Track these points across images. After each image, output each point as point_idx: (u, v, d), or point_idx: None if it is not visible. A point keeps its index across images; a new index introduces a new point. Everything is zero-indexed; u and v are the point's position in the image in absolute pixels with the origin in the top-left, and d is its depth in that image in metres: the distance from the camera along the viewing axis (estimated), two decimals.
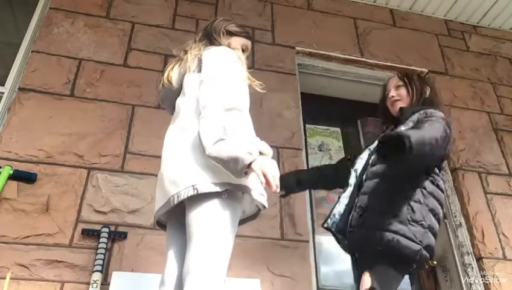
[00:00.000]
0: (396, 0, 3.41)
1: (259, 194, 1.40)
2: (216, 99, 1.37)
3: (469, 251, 2.48)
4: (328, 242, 2.65)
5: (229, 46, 1.64)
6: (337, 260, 2.61)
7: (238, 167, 1.25)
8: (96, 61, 2.54)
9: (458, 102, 3.06)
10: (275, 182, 1.26)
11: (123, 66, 2.57)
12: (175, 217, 1.48)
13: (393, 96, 1.94)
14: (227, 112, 1.34)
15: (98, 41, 2.61)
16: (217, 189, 1.31)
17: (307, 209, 2.45)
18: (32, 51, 2.49)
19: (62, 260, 1.94)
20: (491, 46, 3.48)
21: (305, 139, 2.91)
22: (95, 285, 1.83)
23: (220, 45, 1.63)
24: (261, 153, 1.31)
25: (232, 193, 1.34)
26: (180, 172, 1.37)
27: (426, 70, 3.17)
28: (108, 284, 1.86)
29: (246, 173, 1.27)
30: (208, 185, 1.31)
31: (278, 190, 1.29)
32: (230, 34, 1.72)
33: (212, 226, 1.31)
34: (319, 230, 2.67)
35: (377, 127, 3.23)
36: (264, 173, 1.25)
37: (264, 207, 1.45)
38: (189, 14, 2.90)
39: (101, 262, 1.90)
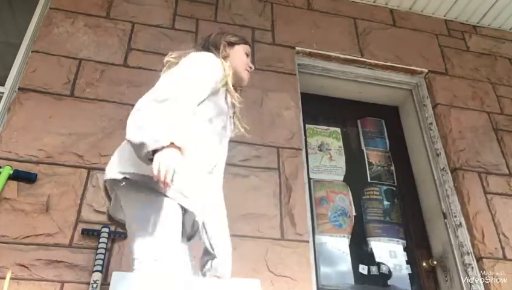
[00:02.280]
0: (396, 0, 3.41)
1: (174, 191, 1.35)
2: (152, 90, 1.38)
3: (469, 251, 2.48)
4: (328, 242, 2.66)
5: (227, 55, 1.67)
6: (337, 260, 2.62)
7: (142, 153, 1.23)
8: (96, 61, 2.54)
9: (458, 102, 3.06)
10: (165, 178, 1.18)
11: (123, 66, 2.57)
12: None
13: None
14: (158, 103, 1.31)
15: (98, 41, 2.61)
16: (118, 177, 1.36)
17: (307, 209, 2.45)
18: (32, 51, 2.49)
19: (62, 260, 1.95)
20: (491, 46, 3.48)
21: (305, 139, 2.91)
22: (95, 285, 1.83)
23: (222, 57, 1.64)
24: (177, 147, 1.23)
25: (134, 181, 1.35)
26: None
27: (426, 70, 3.18)
28: (108, 284, 1.86)
29: (151, 160, 1.21)
30: (112, 173, 1.39)
31: (166, 189, 1.27)
32: (232, 44, 1.74)
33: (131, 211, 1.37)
34: (319, 230, 2.67)
35: (377, 127, 3.24)
36: (159, 166, 1.18)
37: (183, 207, 1.39)
38: (189, 14, 2.90)
39: (101, 262, 1.90)
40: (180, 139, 1.23)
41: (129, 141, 1.26)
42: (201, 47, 1.73)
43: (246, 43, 1.80)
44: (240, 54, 1.74)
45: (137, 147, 1.24)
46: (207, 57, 1.57)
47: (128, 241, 1.38)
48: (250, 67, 1.77)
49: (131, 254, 1.32)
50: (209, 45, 1.71)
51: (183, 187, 1.36)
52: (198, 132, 1.48)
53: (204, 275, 1.56)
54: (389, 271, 2.65)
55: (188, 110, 1.37)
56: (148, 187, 1.34)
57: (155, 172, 1.19)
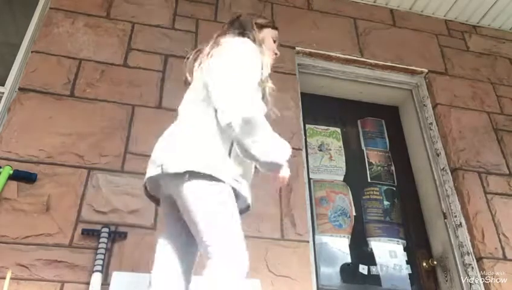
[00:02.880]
0: (396, 0, 3.41)
1: (232, 180, 1.40)
2: (226, 95, 1.39)
3: (469, 251, 2.48)
4: (328, 242, 2.66)
5: (263, 39, 1.66)
6: (337, 260, 2.62)
7: (272, 169, 1.42)
8: (96, 61, 2.54)
9: (458, 102, 3.06)
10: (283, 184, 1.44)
11: (123, 66, 2.57)
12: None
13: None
14: (255, 125, 1.38)
15: (98, 41, 2.61)
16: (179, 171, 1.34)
17: (307, 209, 2.45)
18: (32, 51, 2.49)
19: (62, 260, 1.95)
20: (491, 46, 3.48)
21: (305, 139, 2.91)
22: (95, 285, 1.83)
23: (254, 38, 1.62)
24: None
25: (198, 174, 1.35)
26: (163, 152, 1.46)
27: (426, 70, 3.18)
28: (109, 285, 1.86)
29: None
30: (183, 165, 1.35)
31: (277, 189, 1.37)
32: (261, 26, 1.72)
33: (203, 206, 1.35)
34: (319, 230, 2.67)
35: (377, 127, 3.24)
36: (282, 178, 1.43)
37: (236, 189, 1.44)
38: (189, 14, 2.90)
39: (101, 262, 1.90)
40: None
41: (262, 161, 1.39)
42: (229, 28, 1.70)
43: (274, 27, 1.78)
44: (267, 39, 1.71)
45: (267, 164, 1.40)
46: (251, 48, 1.55)
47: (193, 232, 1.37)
48: (276, 54, 1.76)
49: (202, 242, 1.32)
50: (241, 26, 1.68)
51: (236, 174, 1.41)
52: None
53: None
54: (389, 271, 2.65)
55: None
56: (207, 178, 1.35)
57: (280, 179, 1.45)
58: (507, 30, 3.63)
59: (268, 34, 1.73)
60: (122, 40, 2.66)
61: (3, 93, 2.37)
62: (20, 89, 2.35)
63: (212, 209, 1.34)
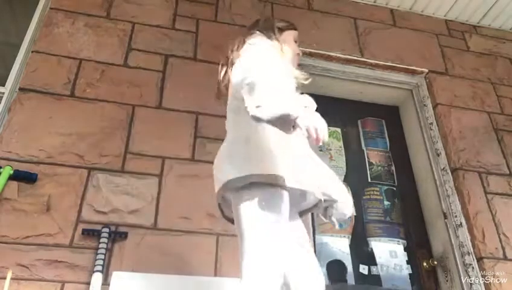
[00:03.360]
0: (396, 0, 3.41)
1: (294, 182, 1.38)
2: (255, 68, 1.41)
3: (469, 251, 2.47)
4: (328, 242, 2.66)
5: (284, 41, 1.70)
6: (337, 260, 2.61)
7: (288, 121, 1.34)
8: (96, 61, 2.54)
9: (458, 102, 3.06)
10: (318, 134, 1.33)
11: (123, 66, 2.57)
12: None
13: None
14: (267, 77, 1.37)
15: (98, 41, 2.61)
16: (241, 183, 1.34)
17: None
18: (32, 51, 2.49)
19: (62, 260, 1.95)
20: (492, 46, 3.48)
21: None
22: (95, 285, 1.83)
23: (278, 41, 1.66)
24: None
25: (258, 184, 1.33)
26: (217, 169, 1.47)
27: (426, 70, 3.17)
28: (109, 285, 1.86)
29: (294, 128, 1.34)
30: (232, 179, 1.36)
31: (320, 143, 1.34)
32: (281, 30, 1.75)
33: (247, 224, 1.33)
34: (319, 230, 2.67)
35: (377, 127, 3.24)
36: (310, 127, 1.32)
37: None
38: (189, 14, 2.90)
39: (101, 262, 1.90)
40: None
41: (273, 118, 1.34)
42: (250, 33, 1.71)
43: (294, 28, 1.81)
44: (289, 42, 1.75)
45: (281, 118, 1.34)
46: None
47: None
48: (298, 54, 1.80)
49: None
50: (264, 30, 1.71)
51: (294, 173, 1.39)
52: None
53: (331, 220, 1.57)
54: (390, 271, 2.65)
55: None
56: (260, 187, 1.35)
57: (311, 132, 1.34)
58: (507, 30, 3.63)
59: (289, 36, 1.77)
60: (122, 40, 2.66)
61: (3, 93, 2.37)
62: (20, 89, 2.35)
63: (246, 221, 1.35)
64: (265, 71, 1.40)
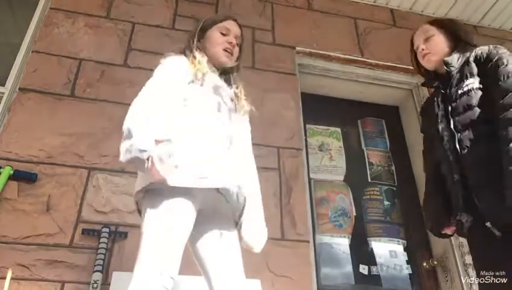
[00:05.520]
0: (396, 0, 3.41)
1: (197, 179, 1.37)
2: None
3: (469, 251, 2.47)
4: (328, 242, 2.66)
5: (207, 44, 1.72)
6: (337, 260, 2.61)
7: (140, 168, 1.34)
8: (96, 61, 2.54)
9: None
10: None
11: (123, 66, 2.57)
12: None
13: (423, 50, 1.81)
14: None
15: (98, 41, 2.61)
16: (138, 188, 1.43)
17: (307, 209, 2.45)
18: (32, 51, 2.49)
19: (62, 260, 1.95)
20: None
21: (305, 139, 2.91)
22: (95, 285, 1.83)
23: (192, 50, 1.67)
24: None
25: (153, 190, 1.39)
26: None
27: None
28: (109, 285, 1.86)
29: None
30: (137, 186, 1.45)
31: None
32: (204, 30, 1.76)
33: (144, 225, 1.38)
34: (319, 230, 2.67)
35: (377, 127, 3.24)
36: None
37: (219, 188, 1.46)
38: (189, 14, 2.90)
39: (101, 262, 1.90)
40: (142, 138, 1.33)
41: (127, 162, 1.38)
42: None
43: (220, 21, 1.76)
44: (212, 39, 1.72)
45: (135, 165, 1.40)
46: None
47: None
48: (230, 42, 1.72)
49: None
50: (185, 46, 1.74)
51: (199, 171, 1.37)
52: (190, 119, 1.48)
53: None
54: (390, 271, 2.65)
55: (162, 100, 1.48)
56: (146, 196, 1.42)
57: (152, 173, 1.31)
58: (507, 30, 3.63)
59: (212, 34, 1.73)
60: (122, 40, 2.66)
61: (3, 93, 2.37)
62: (20, 89, 2.35)
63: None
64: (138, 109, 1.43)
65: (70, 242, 2.00)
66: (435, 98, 1.75)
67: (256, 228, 1.60)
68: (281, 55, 2.92)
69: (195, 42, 1.69)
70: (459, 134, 1.59)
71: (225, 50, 1.71)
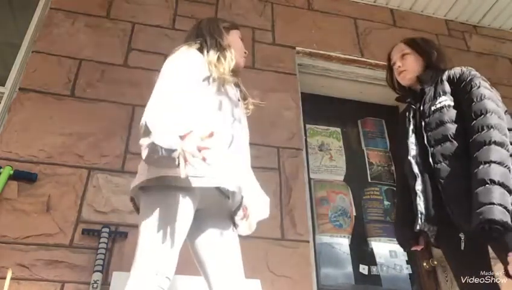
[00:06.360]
0: (396, 0, 3.41)
1: (196, 180, 1.34)
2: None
3: None
4: (328, 242, 2.66)
5: (231, 42, 1.69)
6: (337, 260, 2.61)
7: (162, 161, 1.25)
8: (96, 61, 2.54)
9: None
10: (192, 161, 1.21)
11: (123, 66, 2.57)
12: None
13: (399, 67, 1.90)
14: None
15: (98, 41, 2.61)
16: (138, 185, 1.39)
17: (307, 209, 2.45)
18: (32, 51, 2.49)
19: (62, 260, 1.95)
20: (492, 46, 3.48)
21: (305, 139, 2.91)
22: (95, 285, 1.83)
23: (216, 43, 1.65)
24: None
25: (151, 186, 1.37)
26: None
27: None
28: (109, 285, 1.86)
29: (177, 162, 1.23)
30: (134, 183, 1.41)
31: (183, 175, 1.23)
32: (227, 29, 1.75)
33: (142, 223, 1.36)
34: (319, 230, 2.67)
35: (377, 127, 3.24)
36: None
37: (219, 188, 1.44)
38: (189, 14, 2.90)
39: (101, 262, 1.90)
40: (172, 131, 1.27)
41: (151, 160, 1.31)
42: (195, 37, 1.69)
43: (236, 27, 1.80)
44: (234, 42, 1.71)
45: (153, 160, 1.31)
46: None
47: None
48: (245, 52, 1.78)
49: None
50: (203, 34, 1.67)
51: (200, 169, 1.33)
52: (199, 117, 1.46)
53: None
54: (390, 271, 2.65)
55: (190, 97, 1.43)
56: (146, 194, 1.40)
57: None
58: (507, 30, 3.63)
59: (235, 35, 1.75)
60: (122, 40, 2.66)
61: (3, 93, 2.37)
62: (20, 89, 2.35)
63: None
64: (157, 105, 1.39)
65: (70, 242, 2.00)
66: (406, 114, 1.86)
67: (261, 200, 1.63)
68: (281, 55, 2.92)
69: (224, 41, 1.64)
70: (432, 148, 1.67)
71: (243, 57, 1.76)
